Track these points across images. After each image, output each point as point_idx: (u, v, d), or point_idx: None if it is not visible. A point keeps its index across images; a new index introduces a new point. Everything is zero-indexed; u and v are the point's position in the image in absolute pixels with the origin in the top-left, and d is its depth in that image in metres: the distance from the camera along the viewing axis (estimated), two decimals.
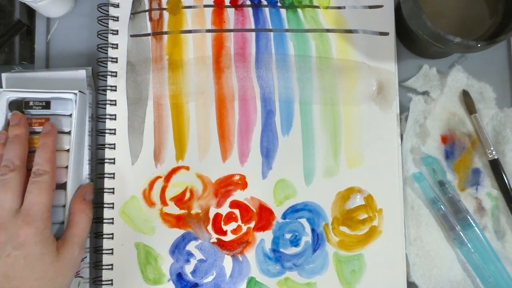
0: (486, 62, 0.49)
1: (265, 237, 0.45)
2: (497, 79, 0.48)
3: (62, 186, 0.44)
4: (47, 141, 0.42)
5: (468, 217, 0.45)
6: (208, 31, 0.48)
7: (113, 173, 0.45)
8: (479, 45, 0.39)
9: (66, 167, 0.44)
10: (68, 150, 0.44)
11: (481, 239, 0.45)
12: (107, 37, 0.47)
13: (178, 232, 0.45)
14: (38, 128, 0.44)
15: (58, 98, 0.45)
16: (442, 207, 0.45)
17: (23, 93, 0.45)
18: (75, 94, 0.44)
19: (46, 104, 0.44)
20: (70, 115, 0.44)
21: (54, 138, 0.43)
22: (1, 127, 0.44)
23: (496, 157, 0.46)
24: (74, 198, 0.43)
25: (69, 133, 0.44)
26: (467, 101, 0.47)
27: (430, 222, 0.46)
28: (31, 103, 0.44)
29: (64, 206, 0.43)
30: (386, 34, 0.47)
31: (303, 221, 0.45)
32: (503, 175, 0.45)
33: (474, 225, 0.45)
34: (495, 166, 0.46)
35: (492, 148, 0.46)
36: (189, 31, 0.48)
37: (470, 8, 0.43)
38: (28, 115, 0.44)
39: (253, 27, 0.48)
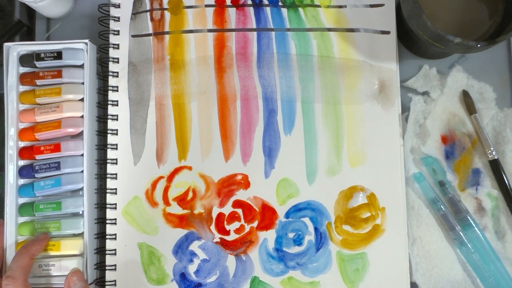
0: (486, 62, 0.49)
1: (268, 237, 0.45)
2: (497, 79, 0.49)
3: (79, 136, 0.45)
4: (31, 249, 0.41)
5: (468, 217, 0.45)
6: (210, 30, 0.48)
7: (116, 174, 0.45)
8: (479, 46, 0.39)
9: (82, 116, 0.45)
10: (82, 100, 0.45)
11: (481, 239, 0.45)
12: (108, 38, 0.47)
13: (181, 232, 0.45)
14: (51, 81, 0.45)
15: (69, 49, 0.45)
16: (442, 207, 0.45)
17: (33, 45, 0.45)
18: (86, 43, 0.45)
19: (58, 55, 0.45)
20: (81, 66, 0.45)
21: (41, 248, 0.42)
22: (13, 83, 0.44)
23: (496, 157, 0.46)
24: None
25: (82, 83, 0.45)
26: (467, 101, 0.47)
27: (430, 222, 0.46)
28: (42, 55, 0.45)
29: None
30: (387, 32, 0.48)
31: (306, 220, 0.45)
32: (503, 175, 0.46)
33: (474, 225, 0.45)
34: (495, 166, 0.46)
35: (492, 148, 0.46)
36: (191, 31, 0.48)
37: (470, 9, 0.43)
38: (40, 68, 0.45)
39: (254, 26, 0.48)
